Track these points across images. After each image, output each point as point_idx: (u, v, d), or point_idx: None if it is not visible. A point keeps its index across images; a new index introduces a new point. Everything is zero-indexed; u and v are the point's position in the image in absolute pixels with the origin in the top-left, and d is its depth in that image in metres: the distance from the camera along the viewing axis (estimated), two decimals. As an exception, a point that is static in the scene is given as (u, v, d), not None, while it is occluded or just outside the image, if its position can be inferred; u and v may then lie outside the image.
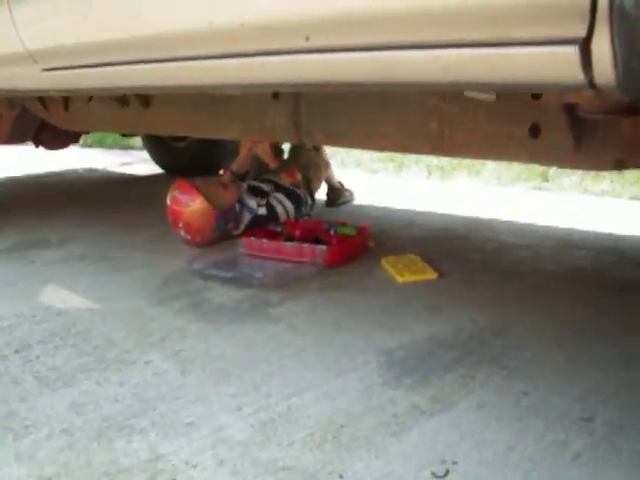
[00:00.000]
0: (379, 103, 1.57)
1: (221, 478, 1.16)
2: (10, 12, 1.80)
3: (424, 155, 1.90)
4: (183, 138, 4.42)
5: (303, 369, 1.58)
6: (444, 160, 4.63)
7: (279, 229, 2.65)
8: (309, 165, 3.19)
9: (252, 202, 2.81)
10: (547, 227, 2.80)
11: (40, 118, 2.79)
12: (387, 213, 3.20)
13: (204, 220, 2.59)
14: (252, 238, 2.51)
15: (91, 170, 4.95)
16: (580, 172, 3.95)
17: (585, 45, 0.87)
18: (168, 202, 2.64)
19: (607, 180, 3.64)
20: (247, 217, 2.78)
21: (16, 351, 1.73)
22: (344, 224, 2.64)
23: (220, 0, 1.23)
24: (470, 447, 1.22)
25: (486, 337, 1.71)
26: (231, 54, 1.28)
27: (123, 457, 1.24)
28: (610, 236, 2.63)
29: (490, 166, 4.35)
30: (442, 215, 3.11)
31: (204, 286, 2.20)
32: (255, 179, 3.05)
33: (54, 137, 3.32)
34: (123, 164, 5.24)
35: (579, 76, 0.90)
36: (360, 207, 3.38)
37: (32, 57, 1.80)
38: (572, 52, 0.89)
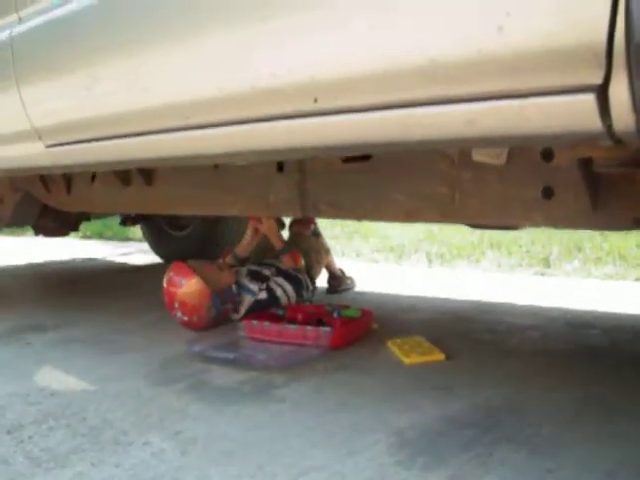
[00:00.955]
0: (387, 171, 1.57)
1: None
2: (19, 92, 1.83)
3: (435, 223, 1.87)
4: (183, 227, 4.43)
5: (311, 448, 1.49)
6: (444, 248, 4.64)
7: (280, 312, 2.60)
8: (309, 251, 3.17)
9: (253, 286, 2.77)
10: (555, 309, 2.75)
11: (42, 202, 2.79)
12: (390, 299, 3.16)
13: (199, 299, 2.55)
14: (253, 321, 2.45)
15: (90, 260, 4.93)
16: (582, 256, 3.94)
17: (602, 92, 0.86)
18: (164, 284, 2.62)
19: (610, 264, 3.62)
20: (248, 301, 2.74)
21: (8, 432, 1.64)
22: (347, 307, 2.59)
23: (228, 65, 1.23)
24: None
25: (502, 416, 1.64)
26: (239, 120, 1.28)
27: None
28: (621, 315, 2.59)
29: (490, 255, 4.35)
30: (446, 299, 3.07)
31: (204, 368, 2.12)
32: (255, 263, 3.02)
33: (54, 223, 3.32)
34: (122, 254, 5.23)
35: (597, 124, 0.89)
36: (362, 294, 3.34)
37: (37, 134, 1.81)
38: (589, 100, 0.88)
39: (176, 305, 2.58)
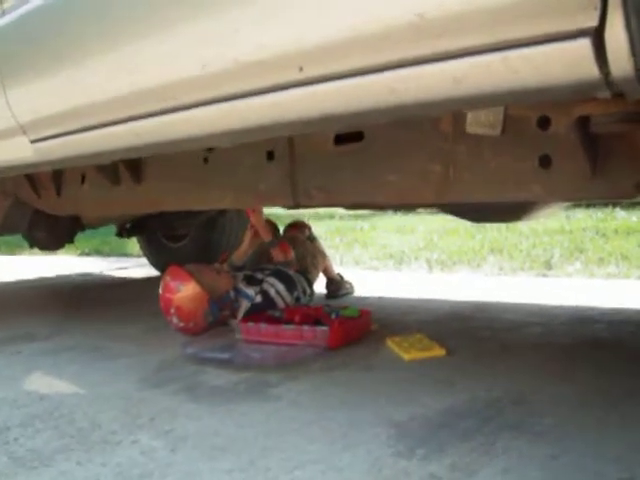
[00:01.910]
0: (379, 151, 1.52)
1: None
2: (3, 86, 1.79)
3: (429, 203, 1.82)
4: (179, 238, 4.39)
5: (307, 444, 1.43)
6: (444, 255, 4.59)
7: (277, 314, 2.54)
8: (305, 255, 3.11)
9: (250, 290, 2.71)
10: (557, 306, 2.69)
11: (32, 208, 2.75)
12: (390, 302, 3.10)
13: (196, 305, 2.49)
14: (249, 323, 2.40)
15: (86, 275, 4.88)
16: (584, 258, 3.89)
17: (598, 36, 0.82)
18: (160, 291, 2.56)
19: (612, 265, 3.57)
20: (245, 305, 2.68)
21: (-8, 434, 1.59)
22: (345, 307, 2.53)
23: (210, 40, 1.19)
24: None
25: (504, 406, 1.58)
26: (225, 97, 1.24)
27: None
28: (626, 310, 2.53)
29: (491, 259, 4.30)
30: (447, 301, 3.00)
31: (199, 370, 2.06)
32: (250, 269, 2.97)
33: (47, 233, 3.27)
34: (119, 268, 5.18)
35: (593, 73, 0.85)
36: (362, 298, 3.28)
37: (22, 129, 1.76)
38: (584, 46, 0.84)
39: (172, 310, 2.52)
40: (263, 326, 2.35)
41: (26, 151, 1.78)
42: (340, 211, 10.31)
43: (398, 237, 5.90)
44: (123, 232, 4.20)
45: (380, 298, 3.20)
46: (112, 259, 5.95)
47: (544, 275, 3.64)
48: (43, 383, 2.02)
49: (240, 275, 2.84)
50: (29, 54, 1.68)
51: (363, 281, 3.61)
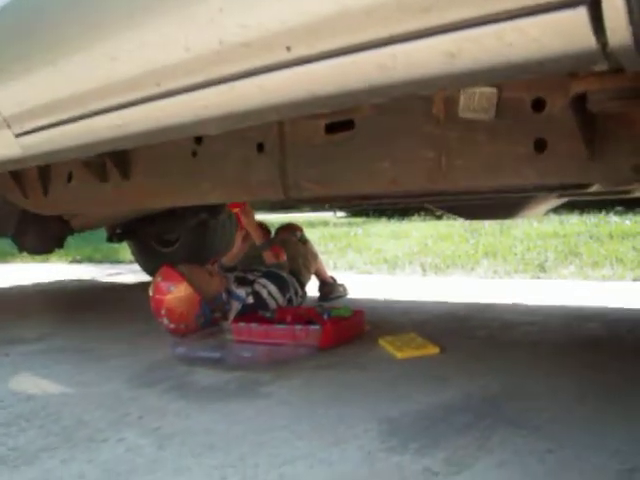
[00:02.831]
0: (370, 138, 1.49)
1: None
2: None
3: (422, 192, 1.79)
4: (170, 243, 4.35)
5: (296, 439, 1.40)
6: (438, 259, 4.56)
7: (269, 315, 2.50)
8: (296, 257, 3.08)
9: (241, 291, 2.68)
10: (552, 306, 2.67)
11: (20, 209, 2.71)
12: (383, 304, 3.07)
13: (188, 306, 2.44)
14: (241, 324, 2.36)
15: (78, 281, 4.83)
16: (578, 261, 3.87)
17: (594, 3, 0.79)
18: (150, 292, 2.51)
19: (607, 267, 3.55)
20: (237, 307, 2.64)
21: (-26, 434, 1.54)
22: (338, 308, 2.50)
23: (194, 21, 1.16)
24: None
25: (499, 401, 1.54)
26: (210, 81, 1.21)
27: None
28: (621, 310, 2.50)
29: (485, 263, 4.28)
30: (441, 303, 2.98)
31: (189, 370, 2.02)
32: (241, 270, 2.93)
33: (35, 235, 3.22)
34: (111, 274, 5.13)
35: (590, 43, 0.82)
36: (355, 300, 3.24)
37: (6, 122, 1.73)
38: (580, 15, 0.81)
39: (163, 312, 2.47)
40: (254, 326, 2.31)
41: (11, 146, 1.75)
42: (334, 218, 10.30)
43: (392, 242, 5.88)
44: (114, 237, 4.16)
45: (373, 300, 3.17)
46: (104, 265, 5.90)
47: (538, 277, 3.62)
48: (31, 383, 1.98)
49: (231, 276, 2.81)
50: (9, 45, 1.64)
51: (356, 284, 3.57)
